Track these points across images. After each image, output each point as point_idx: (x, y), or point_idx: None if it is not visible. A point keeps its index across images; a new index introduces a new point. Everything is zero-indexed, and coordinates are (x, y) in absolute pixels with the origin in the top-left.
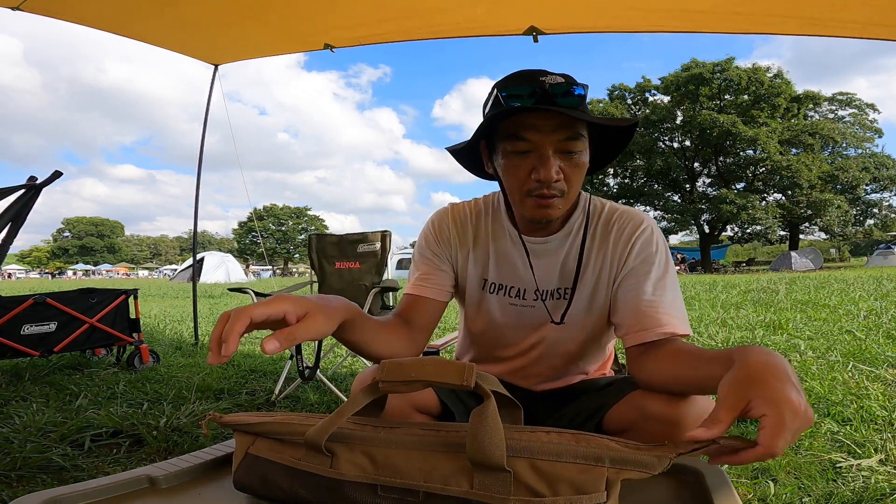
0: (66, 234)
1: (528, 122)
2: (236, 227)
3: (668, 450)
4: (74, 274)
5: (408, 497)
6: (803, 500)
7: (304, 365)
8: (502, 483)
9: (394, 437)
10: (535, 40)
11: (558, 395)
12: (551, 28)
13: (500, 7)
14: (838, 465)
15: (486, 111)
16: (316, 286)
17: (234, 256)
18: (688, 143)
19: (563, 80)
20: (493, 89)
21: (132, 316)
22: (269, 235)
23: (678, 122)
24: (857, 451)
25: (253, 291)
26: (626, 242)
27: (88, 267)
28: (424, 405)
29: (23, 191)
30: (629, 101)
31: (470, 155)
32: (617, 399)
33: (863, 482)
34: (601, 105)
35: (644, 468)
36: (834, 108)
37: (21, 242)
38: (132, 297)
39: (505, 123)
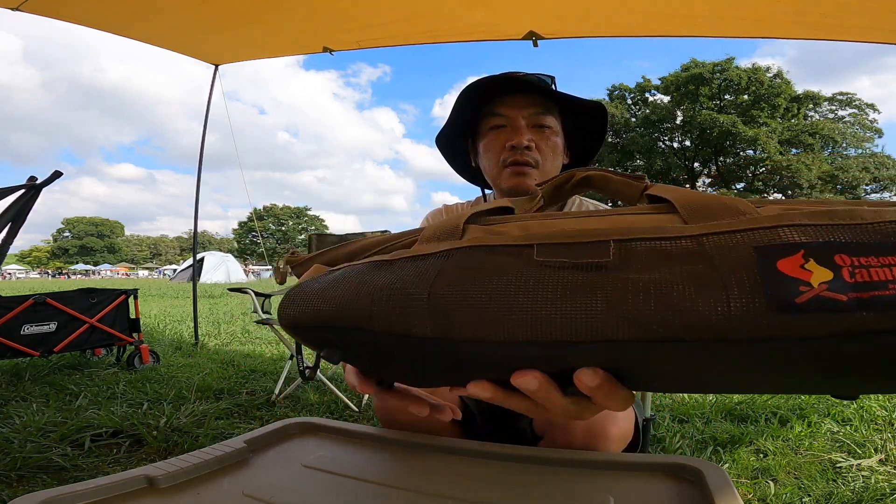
0: (66, 234)
1: (502, 101)
2: (236, 227)
3: None
4: (83, 275)
5: (590, 254)
6: (803, 500)
7: (305, 365)
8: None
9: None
10: (535, 45)
11: None
12: (550, 33)
13: (498, 12)
14: (838, 465)
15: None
16: None
17: (234, 256)
18: (688, 143)
19: (532, 74)
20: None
21: (132, 316)
22: (269, 235)
23: (678, 122)
24: (857, 451)
25: (253, 291)
26: None
27: (88, 267)
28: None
29: (23, 191)
30: (629, 101)
31: (458, 155)
32: None
33: (863, 482)
34: None
35: None
36: (834, 107)
37: (21, 242)
38: (132, 297)
39: (483, 109)
